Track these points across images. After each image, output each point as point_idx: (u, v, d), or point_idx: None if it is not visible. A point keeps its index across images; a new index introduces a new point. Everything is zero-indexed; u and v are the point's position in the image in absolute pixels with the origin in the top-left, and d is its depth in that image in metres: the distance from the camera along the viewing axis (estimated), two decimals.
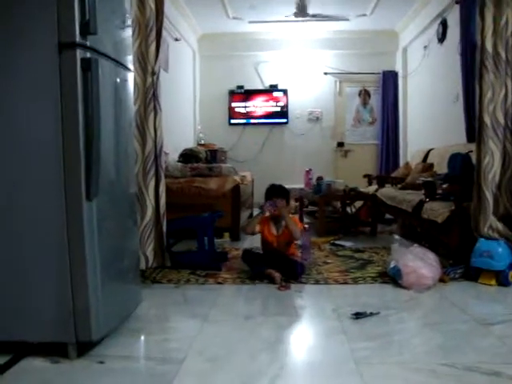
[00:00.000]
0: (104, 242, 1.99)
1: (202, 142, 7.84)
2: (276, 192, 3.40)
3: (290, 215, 3.48)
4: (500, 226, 3.11)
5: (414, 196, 4.24)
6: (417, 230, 4.67)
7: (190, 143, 7.44)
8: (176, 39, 6.72)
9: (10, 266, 1.90)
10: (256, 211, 6.26)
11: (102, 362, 1.89)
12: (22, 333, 1.92)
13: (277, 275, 3.08)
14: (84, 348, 1.95)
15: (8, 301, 1.91)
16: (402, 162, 7.68)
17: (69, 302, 1.87)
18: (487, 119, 3.10)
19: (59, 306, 1.88)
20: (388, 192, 5.18)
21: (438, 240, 3.80)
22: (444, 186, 3.75)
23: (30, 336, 1.93)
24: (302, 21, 6.84)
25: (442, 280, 3.02)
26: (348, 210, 5.54)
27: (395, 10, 6.96)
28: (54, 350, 1.93)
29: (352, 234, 5.02)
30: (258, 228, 3.37)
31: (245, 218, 5.37)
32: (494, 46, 3.07)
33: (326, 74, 8.24)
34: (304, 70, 8.25)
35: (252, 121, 8.32)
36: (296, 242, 3.49)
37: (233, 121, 8.31)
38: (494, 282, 3.00)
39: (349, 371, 1.82)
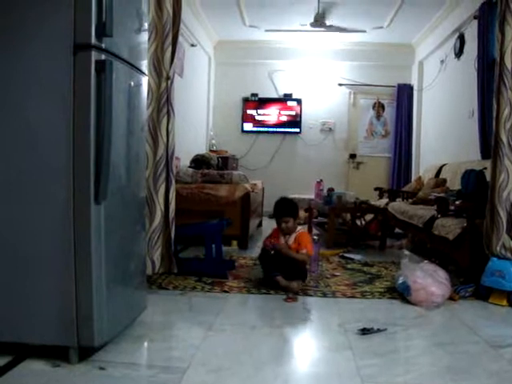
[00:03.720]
0: (111, 245, 1.97)
1: (214, 148, 7.85)
2: (284, 212, 3.35)
3: (300, 227, 3.43)
4: None
5: (426, 211, 4.19)
6: (427, 246, 4.61)
7: (202, 149, 7.45)
8: (192, 45, 6.75)
9: (14, 267, 1.88)
10: (265, 220, 6.28)
11: (102, 368, 1.86)
12: (23, 335, 1.90)
13: (289, 285, 3.07)
14: (86, 353, 1.93)
15: (11, 302, 1.89)
16: (413, 177, 7.64)
17: (72, 306, 1.85)
18: (503, 136, 3.05)
19: (62, 309, 1.86)
20: (399, 206, 5.13)
21: (448, 257, 3.75)
22: (457, 202, 3.70)
23: (32, 338, 1.90)
24: (319, 31, 6.83)
25: (451, 298, 2.97)
26: (358, 222, 5.49)
27: (413, 23, 6.95)
28: (56, 354, 1.90)
29: (361, 248, 4.97)
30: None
31: (254, 226, 5.35)
32: None
33: (340, 85, 8.24)
34: (319, 80, 8.25)
35: (265, 129, 8.33)
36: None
37: (246, 128, 8.31)
38: (505, 302, 2.94)
39: None
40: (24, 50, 1.83)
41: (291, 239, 3.33)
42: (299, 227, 3.41)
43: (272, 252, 3.25)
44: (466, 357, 2.13)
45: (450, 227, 3.47)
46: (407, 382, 1.86)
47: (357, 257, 4.43)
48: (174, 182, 3.22)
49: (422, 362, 2.07)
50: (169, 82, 3.09)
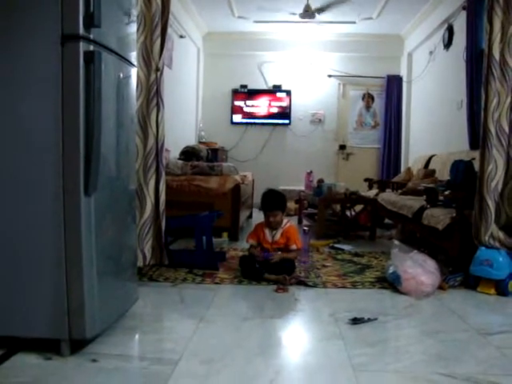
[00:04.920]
0: (101, 238, 1.96)
1: (204, 140, 7.82)
2: (272, 205, 3.34)
3: (286, 219, 3.43)
4: (501, 234, 3.08)
5: (415, 202, 4.21)
6: (416, 236, 4.65)
7: (191, 141, 7.42)
8: (181, 36, 6.70)
9: (3, 261, 1.87)
10: (255, 212, 6.28)
11: (95, 361, 1.86)
12: (14, 328, 1.89)
13: (278, 277, 3.09)
14: (77, 345, 1.93)
15: (1, 295, 1.88)
16: (403, 167, 7.68)
17: (63, 298, 1.84)
18: (492, 127, 3.07)
19: (53, 302, 1.85)
20: (389, 197, 5.16)
21: (437, 247, 3.78)
22: (446, 192, 3.72)
23: (23, 332, 1.90)
24: (308, 22, 6.81)
25: (441, 287, 2.99)
26: (348, 213, 5.52)
27: (402, 14, 6.95)
28: (47, 347, 1.90)
29: (351, 238, 4.99)
30: (252, 241, 3.38)
31: (244, 217, 5.35)
32: (502, 53, 3.05)
33: (330, 76, 8.23)
34: (308, 72, 8.24)
35: (254, 120, 8.30)
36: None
37: (235, 120, 8.29)
38: (493, 291, 2.97)
39: (346, 378, 1.80)
40: (10, 41, 1.80)
41: (278, 234, 3.33)
42: (285, 220, 3.42)
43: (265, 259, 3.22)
44: (455, 344, 2.16)
45: (439, 217, 3.49)
46: (398, 370, 1.88)
47: (347, 247, 4.46)
48: (164, 173, 3.21)
49: (413, 351, 2.09)
50: (158, 73, 3.08)
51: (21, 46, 1.80)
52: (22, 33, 1.80)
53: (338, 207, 5.54)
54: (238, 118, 8.29)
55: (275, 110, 8.26)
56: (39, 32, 1.79)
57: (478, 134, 3.77)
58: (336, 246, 4.53)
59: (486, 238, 3.08)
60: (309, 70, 8.24)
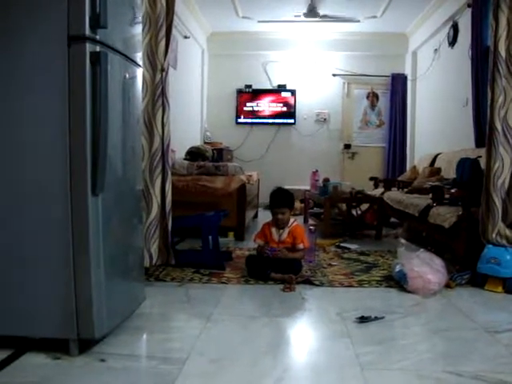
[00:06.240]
0: (109, 238, 1.97)
1: (209, 140, 7.83)
2: (281, 202, 3.34)
3: (292, 219, 3.42)
4: (508, 232, 3.07)
5: (421, 200, 4.20)
6: (422, 235, 4.63)
7: (196, 141, 7.43)
8: (185, 37, 6.71)
9: (12, 261, 1.88)
10: (261, 211, 6.28)
11: (103, 360, 1.87)
12: (23, 328, 1.90)
13: (284, 276, 3.09)
14: (86, 345, 1.93)
15: (10, 295, 1.89)
16: (408, 166, 7.65)
17: (72, 298, 1.85)
18: (498, 124, 3.06)
19: (62, 302, 1.86)
20: (394, 195, 5.15)
21: (444, 245, 3.77)
22: (452, 190, 3.71)
23: (32, 331, 1.91)
24: (312, 21, 6.80)
25: (448, 286, 2.99)
26: (353, 212, 5.51)
27: (406, 12, 6.93)
28: (56, 347, 1.91)
29: (357, 237, 4.99)
30: (260, 241, 3.38)
31: (250, 217, 5.35)
32: (508, 50, 3.03)
33: (334, 75, 8.23)
34: (313, 71, 8.24)
35: (259, 120, 8.30)
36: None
37: (240, 120, 8.30)
38: (500, 289, 2.96)
39: (353, 376, 1.79)
40: (16, 42, 1.81)
41: (285, 234, 3.33)
42: (292, 219, 3.41)
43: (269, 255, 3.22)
44: (462, 343, 2.15)
45: (445, 215, 3.48)
46: (405, 368, 1.88)
47: (353, 246, 4.46)
48: (170, 174, 3.21)
49: (420, 349, 2.09)
50: (163, 73, 3.08)
51: (27, 46, 1.81)
52: (27, 34, 1.81)
53: (343, 206, 5.53)
54: (242, 117, 8.30)
55: (280, 110, 8.26)
56: (45, 33, 1.80)
57: (483, 132, 3.76)
58: (342, 244, 4.52)
59: (493, 236, 3.06)
60: (313, 69, 8.23)
